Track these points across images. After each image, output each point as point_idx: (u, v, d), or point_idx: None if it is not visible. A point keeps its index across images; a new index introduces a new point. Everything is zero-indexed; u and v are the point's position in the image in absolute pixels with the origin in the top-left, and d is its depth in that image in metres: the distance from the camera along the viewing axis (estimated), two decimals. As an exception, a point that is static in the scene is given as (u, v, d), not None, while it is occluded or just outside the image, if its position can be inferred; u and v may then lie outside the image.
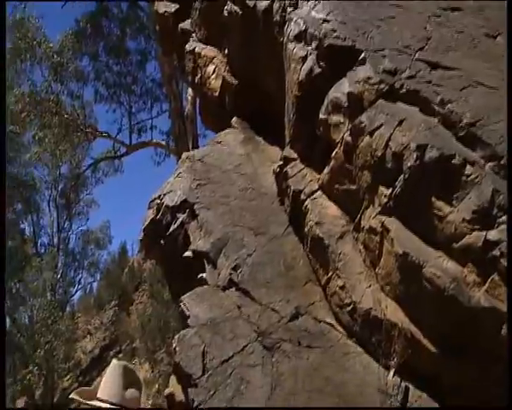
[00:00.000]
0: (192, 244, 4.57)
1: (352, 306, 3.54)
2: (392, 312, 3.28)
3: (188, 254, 4.58)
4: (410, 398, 3.22)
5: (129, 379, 2.96)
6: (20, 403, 22.46)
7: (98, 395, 3.03)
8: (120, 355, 20.62)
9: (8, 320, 27.59)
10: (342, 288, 3.65)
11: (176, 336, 3.57)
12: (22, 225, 28.05)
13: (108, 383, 2.98)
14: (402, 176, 3.29)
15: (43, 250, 29.89)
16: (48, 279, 25.94)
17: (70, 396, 3.13)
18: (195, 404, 3.15)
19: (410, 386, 3.23)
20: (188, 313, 3.70)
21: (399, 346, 3.23)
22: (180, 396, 4.57)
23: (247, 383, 3.29)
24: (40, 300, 23.92)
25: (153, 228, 5.25)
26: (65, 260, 29.87)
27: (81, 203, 28.08)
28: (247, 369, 3.37)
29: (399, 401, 3.22)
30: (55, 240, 29.61)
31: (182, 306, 3.79)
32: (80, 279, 30.15)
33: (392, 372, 3.31)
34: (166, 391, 5.29)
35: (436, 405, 3.15)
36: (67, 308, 29.11)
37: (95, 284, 30.72)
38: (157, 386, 20.45)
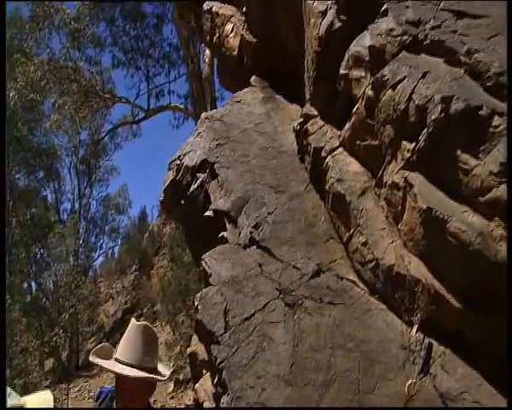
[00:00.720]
0: (212, 204, 4.55)
1: (374, 262, 3.50)
2: (416, 267, 3.24)
3: (208, 213, 4.57)
4: (433, 354, 3.19)
5: (147, 339, 2.96)
6: (48, 364, 23.08)
7: (117, 356, 3.02)
8: (142, 319, 20.93)
9: (33, 285, 28.22)
10: (364, 244, 3.61)
11: (198, 295, 3.58)
12: (44, 193, 28.36)
13: (128, 344, 2.98)
14: (426, 129, 3.21)
15: (65, 217, 30.29)
16: (70, 245, 26.35)
17: (90, 359, 3.11)
18: (218, 361, 3.16)
19: (434, 342, 3.21)
20: (209, 271, 3.70)
21: (423, 302, 3.19)
22: (202, 355, 4.62)
23: (270, 339, 3.30)
24: (63, 265, 24.34)
25: (173, 189, 5.24)
26: (86, 226, 30.28)
27: (101, 170, 28.27)
28: (269, 326, 3.37)
29: (422, 357, 3.20)
30: (77, 206, 29.95)
31: (203, 264, 3.78)
32: (102, 245, 30.58)
33: (415, 328, 3.29)
34: (189, 350, 5.36)
35: (460, 361, 3.13)
36: (90, 273, 29.59)
37: (116, 249, 31.13)
38: (179, 348, 20.75)
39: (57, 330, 22.07)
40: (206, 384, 4.45)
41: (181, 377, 19.25)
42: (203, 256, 3.83)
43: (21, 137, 24.62)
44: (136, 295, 23.32)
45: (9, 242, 24.66)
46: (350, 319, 3.44)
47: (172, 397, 16.29)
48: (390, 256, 3.40)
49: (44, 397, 2.24)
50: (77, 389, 23.47)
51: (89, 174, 28.18)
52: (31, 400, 2.20)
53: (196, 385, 4.43)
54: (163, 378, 2.95)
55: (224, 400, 3.02)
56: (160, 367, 3.11)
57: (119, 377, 2.96)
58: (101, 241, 30.68)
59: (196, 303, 3.49)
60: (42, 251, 27.93)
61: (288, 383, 3.08)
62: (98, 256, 30.34)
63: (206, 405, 4.29)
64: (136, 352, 2.96)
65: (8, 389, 2.14)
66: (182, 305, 20.70)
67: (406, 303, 3.31)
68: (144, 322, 3.10)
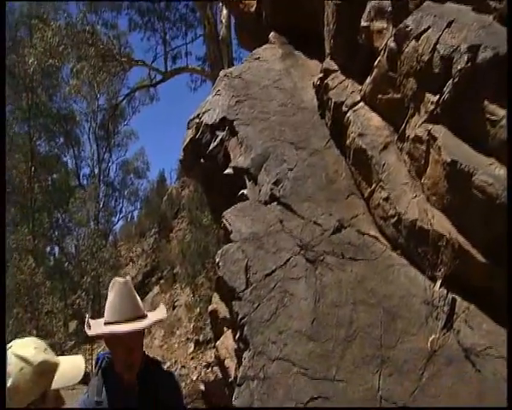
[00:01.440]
0: (232, 161, 4.50)
1: (396, 217, 3.45)
2: (439, 222, 3.18)
3: (228, 171, 4.52)
4: (456, 310, 3.16)
5: (127, 290, 2.93)
6: (72, 326, 23.61)
7: (109, 320, 3.04)
8: (162, 281, 21.23)
9: (56, 249, 28.70)
10: (386, 199, 3.55)
11: (219, 251, 3.57)
12: (65, 159, 28.64)
13: (114, 304, 3.00)
14: (450, 81, 3.11)
15: (85, 182, 30.58)
16: (91, 210, 26.67)
17: (88, 334, 3.11)
18: (240, 317, 3.16)
19: (457, 297, 3.17)
20: (230, 228, 3.68)
21: (446, 257, 3.14)
22: (223, 313, 4.65)
23: (291, 295, 3.28)
24: (84, 229, 24.62)
25: (192, 148, 5.20)
26: (106, 191, 30.55)
27: (119, 134, 28.38)
28: (290, 282, 3.36)
29: (446, 313, 3.17)
30: (96, 171, 30.15)
31: (224, 221, 3.76)
32: (121, 209, 30.92)
33: (438, 284, 3.24)
34: (209, 308, 5.39)
35: (485, 316, 3.09)
36: (110, 237, 29.93)
37: (135, 213, 31.41)
38: (198, 310, 21.01)
39: (80, 293, 22.47)
40: (227, 342, 4.48)
41: (201, 338, 19.56)
42: (223, 213, 3.81)
43: (41, 104, 24.71)
44: (156, 258, 23.54)
45: (33, 206, 25.04)
46: (372, 274, 3.41)
47: (192, 358, 16.52)
48: (413, 211, 3.34)
49: (77, 361, 2.30)
50: (100, 350, 24.07)
51: (107, 139, 28.31)
52: (64, 360, 2.25)
53: (217, 343, 4.46)
54: (164, 315, 3.02)
55: (246, 355, 3.03)
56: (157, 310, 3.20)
57: (111, 339, 3.02)
58: (121, 205, 31.00)
59: (217, 260, 3.48)
60: (63, 216, 28.34)
61: (310, 338, 3.08)
62: (118, 220, 30.69)
63: (227, 362, 4.33)
64: (125, 306, 3.06)
65: (44, 345, 2.19)
66: (201, 267, 20.86)
67: (429, 258, 3.27)
68: (118, 278, 3.19)
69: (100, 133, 28.17)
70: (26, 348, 2.12)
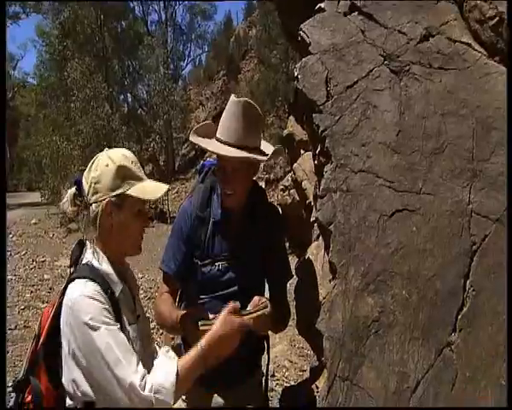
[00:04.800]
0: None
1: (497, 18, 3.08)
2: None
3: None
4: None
5: (249, 117, 2.81)
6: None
7: (218, 135, 2.91)
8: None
9: (129, 96, 29.28)
10: (485, -1, 3.16)
11: (297, 64, 3.35)
12: (131, 5, 28.33)
13: (228, 122, 2.85)
14: None
15: (153, 28, 30.30)
16: (160, 55, 26.63)
17: (190, 139, 3.01)
18: (321, 129, 3.02)
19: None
20: (308, 40, 3.42)
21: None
22: (300, 135, 4.56)
23: (374, 107, 3.09)
24: (155, 75, 24.78)
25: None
26: (174, 35, 30.24)
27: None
28: (373, 93, 3.15)
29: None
30: (163, 16, 29.71)
31: (301, 34, 3.50)
32: (189, 52, 30.69)
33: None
34: (285, 132, 5.31)
35: None
36: (180, 82, 30.11)
37: (203, 57, 31.16)
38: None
39: (154, 136, 23.14)
40: (304, 164, 4.43)
41: (271, 177, 19.92)
42: (301, 26, 3.54)
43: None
44: (225, 100, 23.51)
45: (105, 55, 25.28)
46: (464, 84, 3.14)
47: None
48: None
49: (161, 185, 2.43)
50: (175, 191, 25.24)
51: (174, -19, 27.53)
52: (150, 181, 2.42)
53: (294, 165, 4.42)
54: (264, 158, 2.86)
55: (327, 168, 2.92)
56: (264, 146, 3.02)
57: (220, 156, 2.90)
58: (189, 49, 30.75)
59: (296, 73, 3.28)
60: (134, 63, 28.61)
61: (395, 150, 2.92)
62: (186, 64, 30.81)
63: (304, 184, 4.31)
64: (236, 131, 2.84)
65: (135, 159, 2.40)
66: (270, 107, 20.65)
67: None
68: (245, 98, 2.92)
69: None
70: (117, 153, 2.35)
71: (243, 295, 2.80)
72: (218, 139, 2.87)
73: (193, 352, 2.25)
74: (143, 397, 2.06)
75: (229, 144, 2.80)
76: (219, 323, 2.34)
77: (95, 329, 2.07)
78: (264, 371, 3.28)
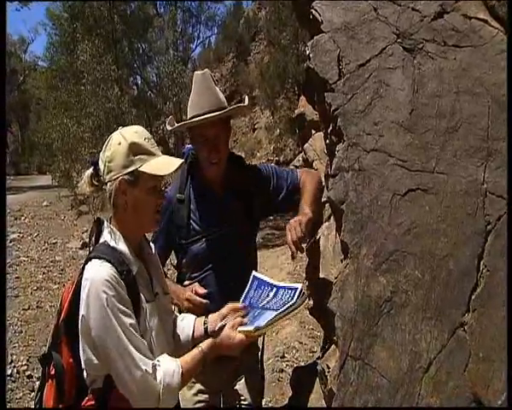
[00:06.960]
0: None
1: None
2: None
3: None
4: None
5: (208, 82, 3.06)
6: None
7: (192, 114, 3.06)
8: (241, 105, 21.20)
9: (138, 79, 29.21)
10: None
11: (309, 43, 3.31)
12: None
13: (196, 96, 3.06)
14: None
15: (162, 10, 30.13)
16: (169, 37, 26.50)
17: (167, 129, 3.26)
18: (333, 108, 2.98)
19: None
20: (320, 18, 3.37)
21: None
22: (310, 115, 4.52)
23: (387, 85, 3.04)
24: (164, 57, 24.69)
25: None
26: (183, 17, 30.07)
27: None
28: (385, 72, 3.10)
29: None
30: (171, -3, 29.50)
31: (313, 12, 3.45)
32: (199, 34, 30.52)
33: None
34: (296, 112, 5.27)
35: None
36: (189, 64, 29.98)
37: (212, 39, 31.00)
38: (278, 131, 21.10)
39: (164, 119, 23.09)
40: (315, 144, 4.39)
41: (281, 159, 19.85)
42: (313, 4, 3.48)
43: None
44: (235, 82, 23.42)
45: (114, 37, 25.18)
46: (479, 61, 3.08)
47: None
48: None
49: (174, 159, 2.40)
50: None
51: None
52: (164, 156, 2.44)
53: (305, 145, 4.39)
54: (244, 104, 3.22)
55: (339, 147, 2.89)
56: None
57: (204, 125, 3.01)
58: (198, 31, 30.58)
59: (308, 52, 3.24)
60: (143, 46, 28.52)
61: (408, 129, 2.88)
62: (196, 47, 30.55)
63: (315, 164, 4.28)
64: (204, 99, 3.03)
65: (149, 136, 2.38)
66: (280, 88, 20.54)
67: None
68: (195, 71, 3.17)
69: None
70: (129, 130, 2.35)
71: (233, 266, 3.03)
72: (193, 117, 3.02)
73: (196, 356, 2.34)
74: (154, 384, 2.12)
75: (205, 113, 2.97)
76: (225, 337, 2.37)
77: (108, 312, 2.10)
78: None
